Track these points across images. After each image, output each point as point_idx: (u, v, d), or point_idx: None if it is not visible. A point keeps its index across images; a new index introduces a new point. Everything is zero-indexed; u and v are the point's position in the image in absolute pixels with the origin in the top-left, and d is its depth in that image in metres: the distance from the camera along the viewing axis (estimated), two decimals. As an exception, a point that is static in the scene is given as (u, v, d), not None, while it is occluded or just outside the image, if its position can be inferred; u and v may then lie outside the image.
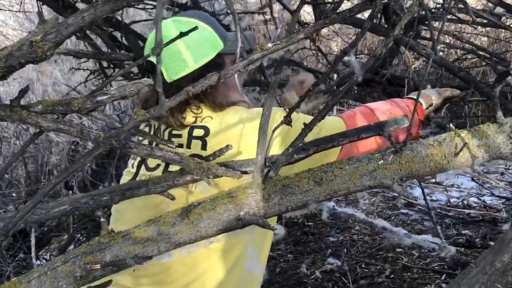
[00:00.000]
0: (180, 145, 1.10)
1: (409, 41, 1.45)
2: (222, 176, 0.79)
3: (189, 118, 1.10)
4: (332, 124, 1.15)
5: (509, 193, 2.95)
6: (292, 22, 0.70)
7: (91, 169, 2.96)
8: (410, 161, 0.81)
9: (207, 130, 1.10)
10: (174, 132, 1.12)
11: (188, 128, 1.10)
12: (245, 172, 0.88)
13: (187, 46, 1.07)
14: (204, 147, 1.08)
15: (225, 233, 0.82)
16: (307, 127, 0.90)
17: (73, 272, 0.78)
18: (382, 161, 0.81)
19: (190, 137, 1.10)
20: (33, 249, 3.20)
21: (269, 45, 0.64)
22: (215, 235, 0.81)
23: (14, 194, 3.45)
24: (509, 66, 0.67)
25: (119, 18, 1.87)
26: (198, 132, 1.09)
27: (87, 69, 2.07)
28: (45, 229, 3.52)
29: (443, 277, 2.11)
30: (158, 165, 1.13)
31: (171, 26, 1.09)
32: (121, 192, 0.91)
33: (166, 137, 1.12)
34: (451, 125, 0.85)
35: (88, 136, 0.75)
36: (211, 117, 1.11)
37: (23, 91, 0.75)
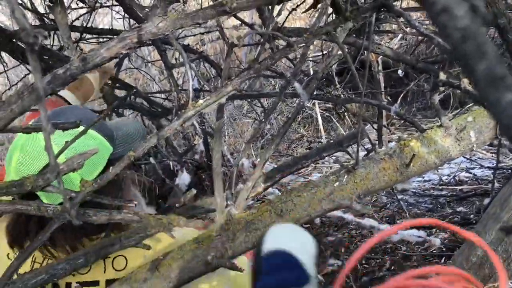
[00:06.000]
0: None
1: (362, 43, 1.47)
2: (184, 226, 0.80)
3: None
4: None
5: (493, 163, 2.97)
6: (224, 71, 0.71)
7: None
8: (365, 179, 0.82)
9: None
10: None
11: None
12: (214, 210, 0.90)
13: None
14: None
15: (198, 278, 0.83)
16: (274, 142, 0.92)
17: None
18: (337, 183, 0.83)
19: None
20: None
21: (201, 101, 0.65)
22: (187, 282, 0.82)
23: None
24: (438, 76, 0.69)
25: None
26: None
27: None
28: None
29: (442, 260, 2.13)
30: None
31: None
32: (96, 252, 0.92)
33: None
34: (400, 135, 0.86)
35: (46, 211, 0.77)
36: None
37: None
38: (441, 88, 0.68)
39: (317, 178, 0.87)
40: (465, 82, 0.61)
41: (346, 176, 0.83)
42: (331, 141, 0.99)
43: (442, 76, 0.68)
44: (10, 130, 0.80)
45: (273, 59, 0.63)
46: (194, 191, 0.92)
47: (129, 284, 0.81)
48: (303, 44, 0.63)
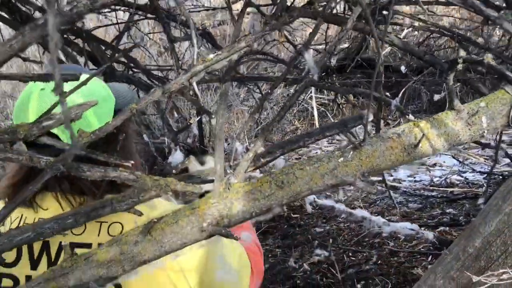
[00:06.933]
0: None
1: (371, 29, 1.44)
2: (181, 191, 0.77)
3: None
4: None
5: (488, 167, 2.98)
6: (236, 30, 0.68)
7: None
8: (370, 156, 0.80)
9: None
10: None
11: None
12: (212, 181, 0.87)
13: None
14: None
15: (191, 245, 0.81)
16: (279, 115, 0.89)
17: (37, 301, 0.76)
18: (342, 159, 0.80)
19: None
20: None
21: (211, 56, 0.62)
22: (180, 248, 0.79)
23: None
24: (459, 53, 0.66)
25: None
26: None
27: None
28: None
29: (429, 259, 2.13)
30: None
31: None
32: (86, 213, 0.89)
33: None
34: (410, 115, 0.84)
35: (39, 163, 0.73)
36: None
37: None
38: (460, 66, 0.66)
39: (321, 153, 0.84)
40: (489, 58, 0.58)
41: (351, 152, 0.81)
42: (336, 121, 0.96)
43: (462, 52, 0.66)
44: (8, 77, 0.76)
45: (291, 17, 0.60)
46: (192, 158, 0.89)
47: (119, 245, 0.78)
48: (324, 2, 0.61)
